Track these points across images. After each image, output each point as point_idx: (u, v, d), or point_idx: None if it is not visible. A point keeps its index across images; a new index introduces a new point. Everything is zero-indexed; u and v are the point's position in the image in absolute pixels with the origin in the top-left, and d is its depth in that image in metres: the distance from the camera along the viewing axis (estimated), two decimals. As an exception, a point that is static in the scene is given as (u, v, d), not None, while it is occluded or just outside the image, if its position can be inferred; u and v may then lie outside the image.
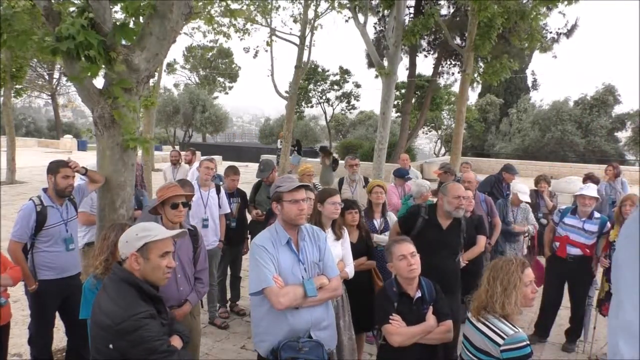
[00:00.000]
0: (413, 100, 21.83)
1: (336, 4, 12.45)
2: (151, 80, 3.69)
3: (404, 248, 2.69)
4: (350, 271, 3.37)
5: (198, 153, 10.79)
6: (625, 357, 1.11)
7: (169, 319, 2.40)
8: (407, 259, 2.65)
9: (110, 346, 1.98)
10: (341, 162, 17.70)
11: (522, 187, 5.64)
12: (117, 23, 3.21)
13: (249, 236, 5.36)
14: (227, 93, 41.77)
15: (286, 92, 15.10)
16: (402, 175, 6.19)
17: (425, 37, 20.40)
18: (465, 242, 3.93)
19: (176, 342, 2.24)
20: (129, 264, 2.14)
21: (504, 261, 2.36)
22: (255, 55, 16.01)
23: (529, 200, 5.59)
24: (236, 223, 5.17)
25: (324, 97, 29.32)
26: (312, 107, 29.49)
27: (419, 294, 2.71)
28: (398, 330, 2.60)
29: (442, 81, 24.08)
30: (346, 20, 12.29)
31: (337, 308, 3.38)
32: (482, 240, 4.30)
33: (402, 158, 7.72)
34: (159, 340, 2.02)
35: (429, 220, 3.61)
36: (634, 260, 1.12)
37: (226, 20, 12.38)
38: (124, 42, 3.18)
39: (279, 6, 14.32)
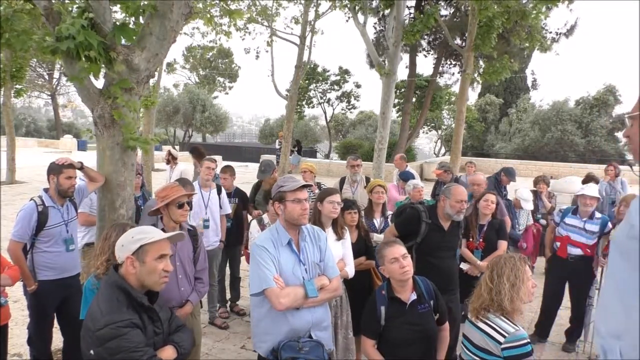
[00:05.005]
0: (413, 100, 21.82)
1: (337, 3, 12.45)
2: (151, 80, 3.68)
3: (395, 250, 2.64)
4: (350, 271, 3.37)
5: (201, 154, 10.55)
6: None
7: (173, 328, 2.30)
8: (400, 262, 2.60)
9: (91, 352, 1.94)
10: (342, 162, 17.74)
11: (525, 194, 5.73)
12: (117, 23, 3.20)
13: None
14: (227, 93, 41.80)
15: (287, 91, 15.10)
16: (406, 178, 6.28)
17: (425, 37, 20.41)
18: (485, 247, 3.95)
19: (166, 353, 2.13)
20: (124, 268, 2.10)
21: (505, 258, 2.37)
22: (257, 57, 16.04)
23: (532, 208, 5.76)
24: (233, 223, 5.13)
25: (324, 97, 29.30)
26: (313, 107, 29.43)
27: (414, 296, 2.66)
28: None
29: (442, 81, 24.10)
30: (346, 20, 12.30)
31: (337, 307, 3.38)
32: (503, 245, 4.29)
33: (396, 159, 7.28)
34: (137, 351, 1.93)
35: (431, 223, 3.61)
36: (619, 268, 1.09)
37: (226, 20, 12.41)
38: (124, 42, 3.18)
39: (279, 13, 14.35)
